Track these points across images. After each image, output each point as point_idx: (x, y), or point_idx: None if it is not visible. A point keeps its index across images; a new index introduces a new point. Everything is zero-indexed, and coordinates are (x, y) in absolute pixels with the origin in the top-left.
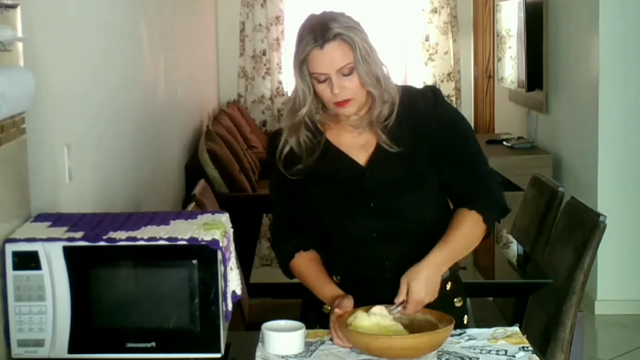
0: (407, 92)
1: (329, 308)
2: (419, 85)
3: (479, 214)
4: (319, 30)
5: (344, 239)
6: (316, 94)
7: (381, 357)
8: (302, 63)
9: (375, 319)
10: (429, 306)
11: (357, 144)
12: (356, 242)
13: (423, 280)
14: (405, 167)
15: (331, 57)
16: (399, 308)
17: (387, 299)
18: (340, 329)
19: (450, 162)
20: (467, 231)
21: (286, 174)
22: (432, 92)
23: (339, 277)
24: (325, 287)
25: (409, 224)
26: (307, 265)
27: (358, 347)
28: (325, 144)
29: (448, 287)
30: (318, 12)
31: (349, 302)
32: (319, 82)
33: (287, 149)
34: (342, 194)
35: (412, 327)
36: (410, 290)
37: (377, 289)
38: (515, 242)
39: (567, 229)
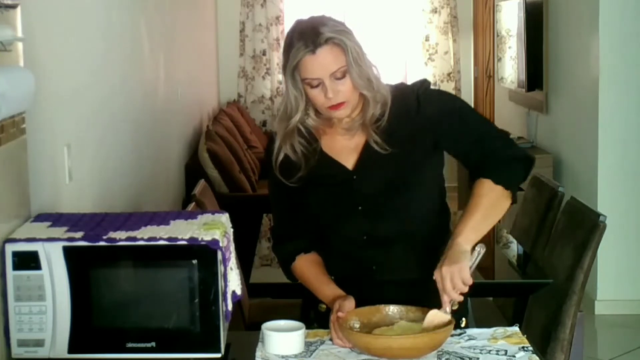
0: (399, 90)
1: (325, 306)
2: None
3: (489, 178)
4: (310, 36)
5: (337, 241)
6: (308, 100)
7: (381, 357)
8: (293, 69)
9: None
10: (429, 307)
11: (348, 148)
12: (348, 244)
13: (446, 276)
14: (395, 168)
15: (324, 62)
16: (448, 305)
17: (380, 300)
18: (341, 329)
19: (454, 139)
20: (485, 201)
21: (287, 182)
22: (420, 84)
23: (333, 278)
24: (325, 288)
25: (400, 225)
26: (307, 267)
27: (358, 347)
28: (318, 149)
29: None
30: (305, 17)
31: (350, 303)
32: (312, 87)
33: (281, 156)
34: (333, 198)
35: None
36: (447, 292)
37: (370, 290)
38: (515, 242)
39: (567, 229)
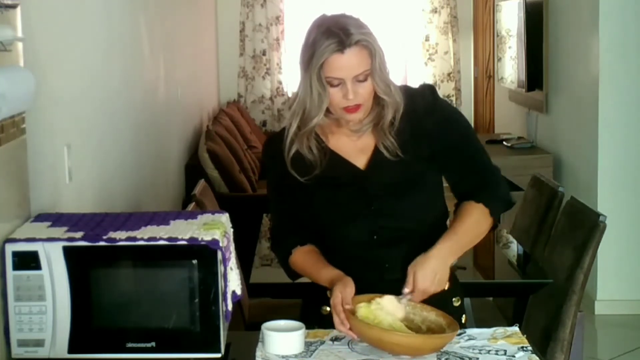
0: (406, 93)
1: (328, 310)
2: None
3: (486, 207)
4: (339, 35)
5: (344, 241)
6: None
7: (386, 351)
8: (320, 67)
9: (381, 312)
10: (430, 304)
11: (356, 148)
12: (356, 245)
13: (429, 270)
14: (404, 169)
15: (350, 63)
16: (408, 297)
17: None
18: (349, 319)
19: (452, 161)
20: (474, 222)
21: (301, 179)
22: (430, 91)
23: None
24: (322, 271)
25: (409, 226)
26: (304, 256)
27: (365, 338)
28: (327, 149)
29: (446, 286)
30: (328, 14)
31: (350, 290)
32: (332, 86)
33: (293, 152)
34: (344, 198)
35: (421, 327)
36: (416, 280)
37: (377, 290)
38: (515, 242)
39: (567, 229)
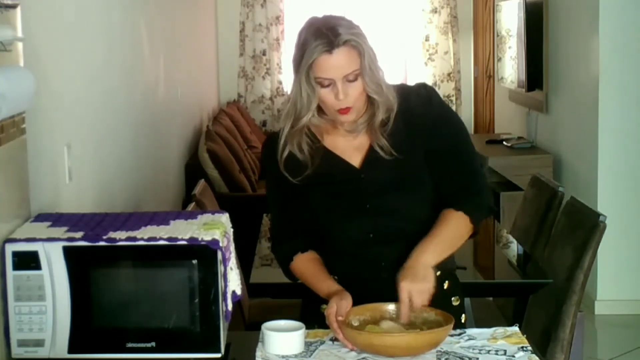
0: (401, 92)
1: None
2: None
3: (467, 215)
4: (327, 35)
5: (341, 240)
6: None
7: (384, 355)
8: (308, 68)
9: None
10: (429, 304)
11: (351, 147)
12: (353, 243)
13: (424, 287)
14: (399, 168)
15: (339, 63)
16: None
17: (384, 297)
18: (343, 330)
19: (439, 162)
20: (452, 230)
21: (293, 180)
22: (425, 90)
23: (336, 277)
24: (322, 284)
25: (404, 224)
26: (305, 265)
27: (359, 345)
28: (321, 148)
29: (446, 286)
30: (319, 15)
31: (346, 302)
32: (323, 86)
33: (286, 153)
34: (339, 196)
35: (422, 329)
36: (414, 303)
37: (374, 288)
38: (515, 242)
39: (567, 229)
